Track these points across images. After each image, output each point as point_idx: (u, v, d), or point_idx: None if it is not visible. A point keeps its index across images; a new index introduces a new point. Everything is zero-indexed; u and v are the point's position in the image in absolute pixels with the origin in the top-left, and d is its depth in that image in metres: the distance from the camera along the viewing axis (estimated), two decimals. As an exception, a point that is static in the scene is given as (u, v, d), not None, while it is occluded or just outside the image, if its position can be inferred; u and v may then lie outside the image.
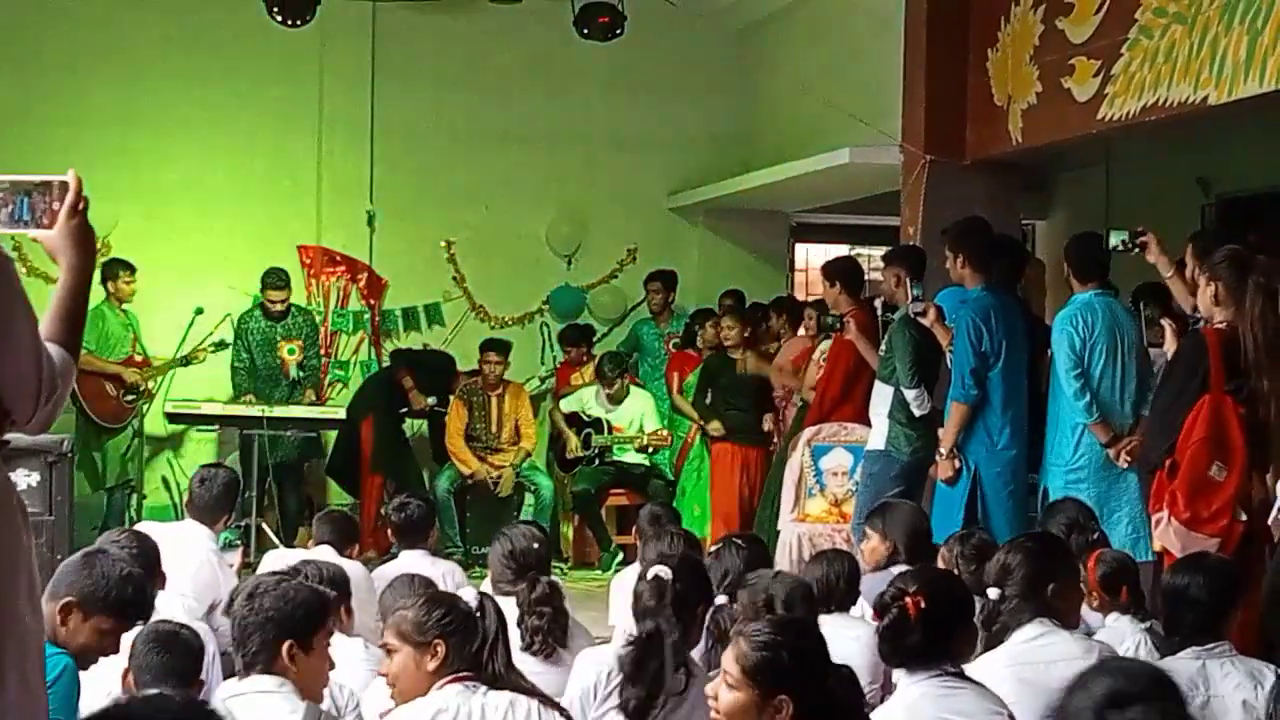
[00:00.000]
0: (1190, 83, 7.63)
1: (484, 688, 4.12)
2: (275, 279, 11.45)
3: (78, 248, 3.16)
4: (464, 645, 4.16)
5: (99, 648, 4.40)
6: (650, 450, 11.46)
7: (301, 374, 11.41)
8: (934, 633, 4.05)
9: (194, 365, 11.40)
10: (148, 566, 5.26)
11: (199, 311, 11.51)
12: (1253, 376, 6.07)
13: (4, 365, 2.92)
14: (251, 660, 4.10)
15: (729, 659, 3.68)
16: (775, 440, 10.41)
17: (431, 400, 11.49)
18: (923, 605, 4.03)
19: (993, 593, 4.69)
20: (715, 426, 10.69)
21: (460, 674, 4.12)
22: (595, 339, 12.67)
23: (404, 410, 11.54)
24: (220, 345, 11.64)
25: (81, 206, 3.17)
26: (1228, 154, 10.49)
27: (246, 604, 4.13)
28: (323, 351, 12.30)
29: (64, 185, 3.16)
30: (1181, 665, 4.54)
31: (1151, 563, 6.62)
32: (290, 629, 4.10)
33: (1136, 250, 7.43)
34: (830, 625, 4.51)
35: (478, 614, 4.24)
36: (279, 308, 11.45)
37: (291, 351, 11.34)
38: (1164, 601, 4.89)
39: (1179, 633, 4.75)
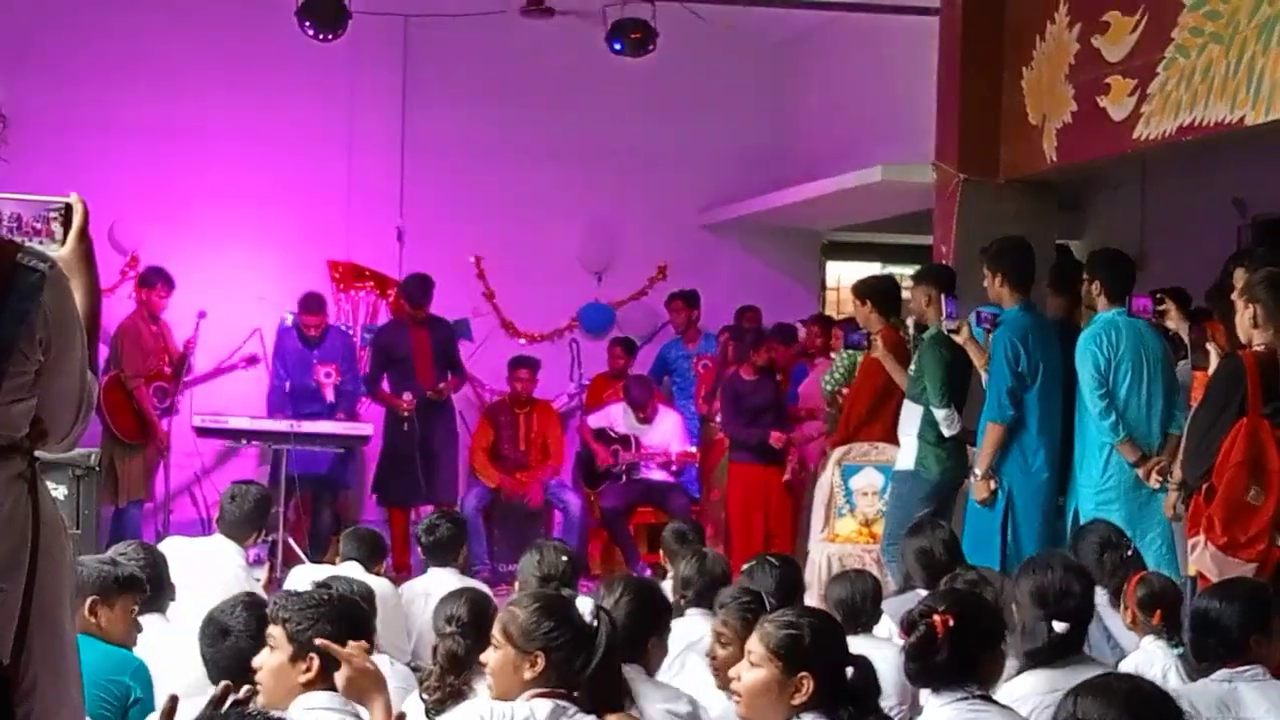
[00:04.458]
0: (1227, 103, 7.58)
1: (574, 709, 3.98)
2: (311, 304, 11.40)
3: (88, 268, 3.19)
4: (567, 663, 4.03)
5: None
6: (676, 469, 11.43)
7: (338, 398, 11.36)
8: (961, 653, 4.01)
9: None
10: (156, 576, 5.33)
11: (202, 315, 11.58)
12: (1291, 400, 6.02)
13: (57, 382, 2.99)
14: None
15: (753, 641, 3.87)
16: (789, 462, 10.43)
17: (407, 396, 11.19)
18: (950, 624, 3.99)
19: (1059, 626, 4.65)
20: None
21: (557, 690, 4.01)
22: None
23: (405, 423, 11.38)
24: (251, 360, 11.73)
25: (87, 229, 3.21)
26: (1264, 175, 10.42)
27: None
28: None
29: (69, 207, 3.18)
30: (1212, 687, 4.52)
31: (1185, 585, 6.56)
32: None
33: (1157, 317, 7.47)
34: (856, 647, 4.46)
35: (594, 625, 4.11)
36: (314, 333, 11.41)
37: (328, 375, 11.30)
38: (1191, 626, 4.86)
39: (1206, 658, 4.71)
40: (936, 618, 3.99)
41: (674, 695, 4.64)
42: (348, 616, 4.19)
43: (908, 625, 4.08)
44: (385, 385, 11.41)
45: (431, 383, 11.23)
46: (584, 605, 4.23)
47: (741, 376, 10.67)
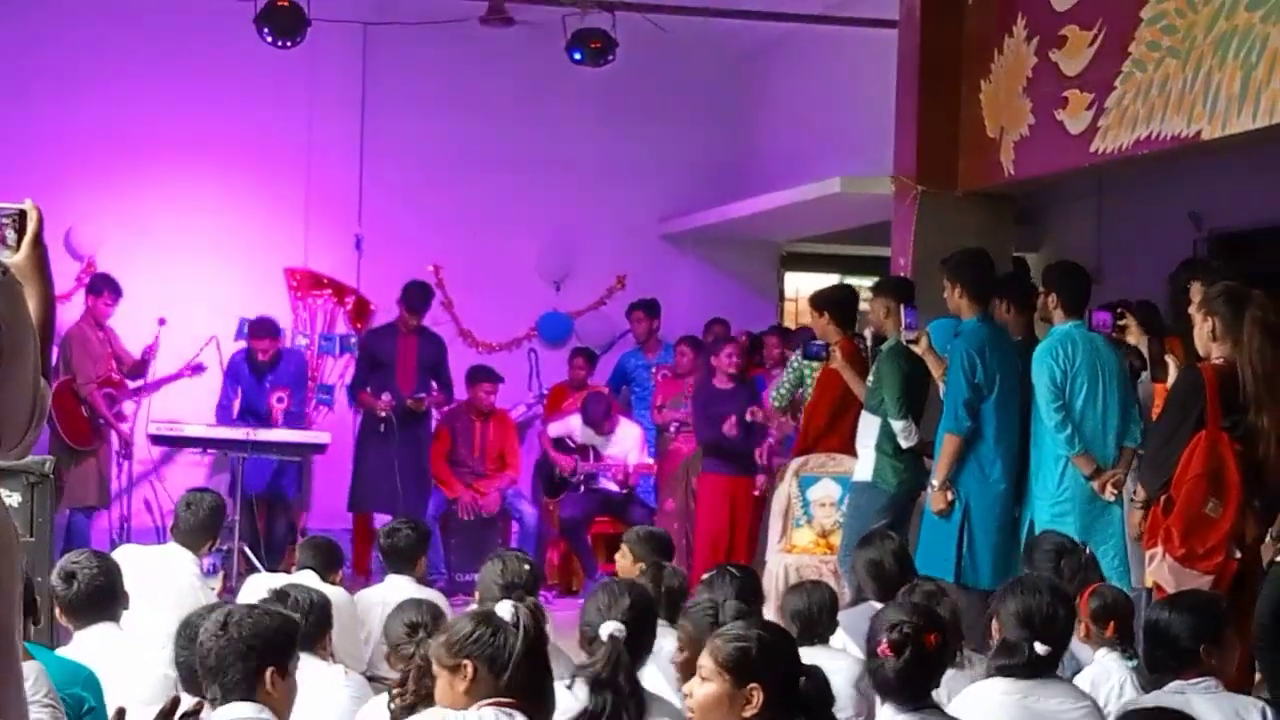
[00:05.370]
0: (1183, 117, 7.62)
1: (520, 716, 3.94)
2: (261, 329, 11.30)
3: (42, 276, 3.16)
4: (494, 662, 3.99)
5: None
6: (630, 485, 11.39)
7: (285, 420, 11.29)
8: (939, 667, 4.09)
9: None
10: (110, 585, 5.33)
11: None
12: (1250, 412, 6.05)
13: (9, 389, 2.94)
14: (231, 688, 4.03)
15: (704, 656, 3.86)
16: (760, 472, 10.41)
17: (386, 396, 11.18)
18: (940, 642, 4.05)
19: (1042, 648, 4.63)
20: None
21: (501, 699, 3.96)
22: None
23: (383, 424, 11.33)
24: (197, 369, 11.68)
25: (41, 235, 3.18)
26: (1220, 189, 10.47)
27: (221, 633, 4.06)
28: (310, 375, 12.20)
29: (23, 214, 3.15)
30: (1164, 699, 4.50)
31: (1141, 596, 6.59)
32: (273, 655, 4.07)
33: (1116, 331, 7.52)
34: (812, 657, 4.46)
35: (513, 626, 4.06)
36: (264, 358, 11.30)
37: (280, 400, 11.24)
38: (1144, 638, 4.88)
39: (1158, 669, 4.73)
40: (929, 637, 4.02)
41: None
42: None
43: (896, 645, 4.06)
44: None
45: (411, 392, 11.20)
46: (503, 609, 4.19)
47: (714, 385, 10.63)
